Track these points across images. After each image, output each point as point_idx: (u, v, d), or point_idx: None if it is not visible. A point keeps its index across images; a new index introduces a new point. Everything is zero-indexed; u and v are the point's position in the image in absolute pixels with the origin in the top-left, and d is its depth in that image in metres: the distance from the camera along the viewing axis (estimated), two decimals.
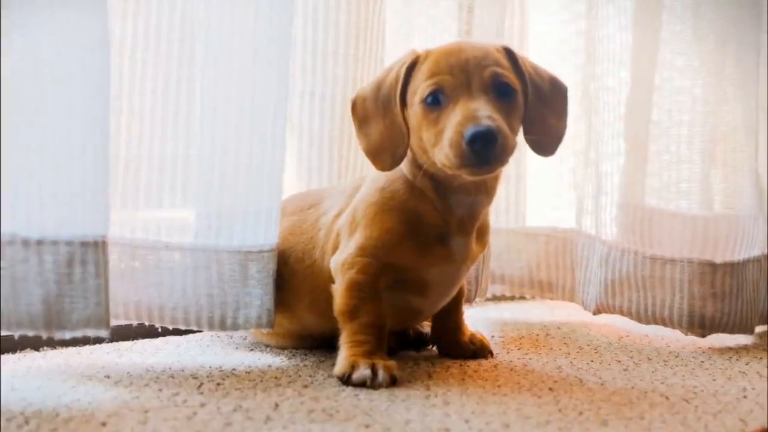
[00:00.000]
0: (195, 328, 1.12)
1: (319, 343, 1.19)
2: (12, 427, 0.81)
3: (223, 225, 1.10)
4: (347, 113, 1.10)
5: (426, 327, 1.25)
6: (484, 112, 0.96)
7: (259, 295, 1.11)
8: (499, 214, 1.53)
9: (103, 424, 0.82)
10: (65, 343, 1.17)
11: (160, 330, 1.18)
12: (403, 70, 1.04)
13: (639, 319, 1.37)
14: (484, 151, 0.94)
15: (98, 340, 1.20)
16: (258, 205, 1.11)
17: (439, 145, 0.98)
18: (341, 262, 1.06)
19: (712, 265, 1.33)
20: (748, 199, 1.40)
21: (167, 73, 1.11)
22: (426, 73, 1.01)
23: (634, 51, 1.39)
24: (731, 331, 1.34)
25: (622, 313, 1.39)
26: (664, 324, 1.35)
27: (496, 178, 1.08)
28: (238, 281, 1.10)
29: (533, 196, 1.60)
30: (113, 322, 1.16)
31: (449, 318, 1.19)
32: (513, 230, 1.53)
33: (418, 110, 1.02)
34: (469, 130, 0.94)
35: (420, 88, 1.01)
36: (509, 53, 1.06)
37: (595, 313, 1.42)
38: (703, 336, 1.34)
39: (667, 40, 1.38)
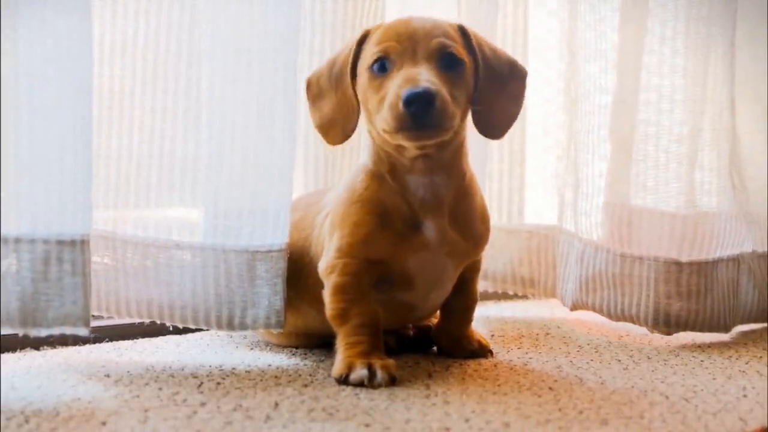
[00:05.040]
0: (204, 328, 1.12)
1: (322, 342, 1.19)
2: (12, 426, 0.81)
3: (231, 224, 1.10)
4: None
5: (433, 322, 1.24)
6: (424, 76, 0.97)
7: (267, 295, 1.10)
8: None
9: (103, 423, 0.83)
10: (65, 342, 1.17)
11: (170, 328, 1.17)
12: (354, 44, 1.06)
13: (609, 316, 1.37)
14: (421, 113, 0.95)
15: (98, 339, 1.20)
16: (266, 205, 1.11)
17: (381, 111, 0.99)
18: (324, 267, 1.07)
19: (678, 264, 1.32)
20: (722, 198, 1.40)
21: (177, 73, 1.11)
22: (374, 42, 1.03)
23: (620, 52, 1.39)
24: (701, 330, 1.33)
25: (594, 309, 1.39)
26: (632, 321, 1.35)
27: (456, 156, 1.07)
28: (246, 281, 1.10)
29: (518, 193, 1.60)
30: (125, 320, 1.18)
31: (453, 319, 1.18)
32: (496, 226, 1.52)
33: (365, 78, 1.03)
34: (406, 91, 0.95)
35: (367, 56, 1.03)
36: (462, 30, 1.07)
37: (572, 310, 1.43)
38: (669, 334, 1.34)
39: (654, 41, 1.38)
